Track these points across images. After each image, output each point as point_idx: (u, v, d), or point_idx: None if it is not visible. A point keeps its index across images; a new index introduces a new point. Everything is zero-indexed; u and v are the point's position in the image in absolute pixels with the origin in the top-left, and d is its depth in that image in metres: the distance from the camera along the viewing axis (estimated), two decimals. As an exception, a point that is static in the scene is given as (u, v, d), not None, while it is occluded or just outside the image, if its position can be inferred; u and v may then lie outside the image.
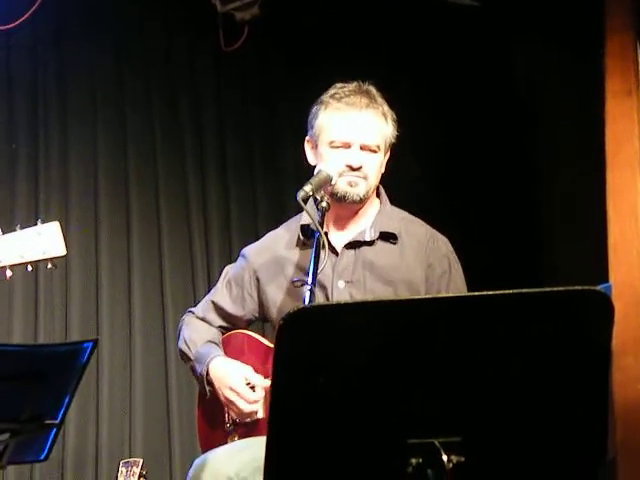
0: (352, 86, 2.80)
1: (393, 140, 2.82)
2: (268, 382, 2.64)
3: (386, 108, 2.80)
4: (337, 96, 2.78)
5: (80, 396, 4.02)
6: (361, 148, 2.73)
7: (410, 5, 4.83)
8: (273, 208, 4.73)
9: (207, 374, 2.79)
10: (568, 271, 4.28)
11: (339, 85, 2.81)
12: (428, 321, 1.70)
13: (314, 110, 2.81)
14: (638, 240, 2.97)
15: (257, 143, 4.87)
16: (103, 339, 4.27)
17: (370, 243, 2.79)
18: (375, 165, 2.76)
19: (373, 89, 2.81)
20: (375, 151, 2.75)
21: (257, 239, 3.07)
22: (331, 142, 2.74)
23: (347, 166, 2.71)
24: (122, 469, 3.36)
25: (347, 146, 2.73)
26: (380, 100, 2.80)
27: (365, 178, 2.73)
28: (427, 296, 1.78)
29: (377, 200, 2.89)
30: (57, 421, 2.35)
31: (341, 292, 2.74)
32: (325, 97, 2.80)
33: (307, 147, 2.86)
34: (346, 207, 2.78)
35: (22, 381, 2.19)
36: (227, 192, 4.75)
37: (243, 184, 4.79)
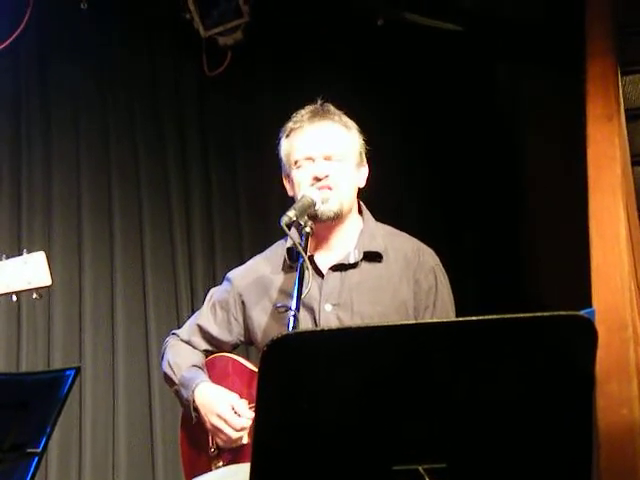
0: (308, 108, 2.85)
1: (362, 149, 2.84)
2: (253, 411, 2.62)
3: (345, 118, 2.84)
4: (294, 119, 2.83)
5: (62, 424, 4.00)
6: (325, 159, 2.75)
7: (395, 30, 4.86)
8: (257, 231, 4.72)
9: (193, 400, 2.78)
10: (551, 296, 4.29)
11: (297, 112, 2.86)
12: (412, 347, 1.70)
13: (279, 144, 2.87)
14: (621, 264, 2.98)
15: (241, 166, 4.87)
16: (86, 366, 4.25)
17: (355, 265, 2.79)
18: (343, 174, 2.76)
19: (330, 106, 2.86)
20: (340, 160, 2.76)
21: (241, 262, 3.07)
22: (296, 162, 2.78)
23: (314, 178, 2.72)
24: (105, 496, 3.34)
25: (311, 160, 2.75)
26: (338, 112, 2.84)
27: (335, 187, 2.73)
28: (410, 322, 1.78)
29: (360, 218, 2.89)
30: (39, 450, 2.32)
31: (328, 315, 2.73)
32: (285, 127, 2.86)
33: (285, 183, 2.88)
34: (324, 225, 2.76)
35: (4, 410, 2.17)
36: (211, 215, 4.74)
37: (227, 207, 4.79)
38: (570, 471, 1.76)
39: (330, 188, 2.72)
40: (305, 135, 2.78)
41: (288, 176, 2.84)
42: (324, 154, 2.75)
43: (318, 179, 2.72)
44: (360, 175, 2.84)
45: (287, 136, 2.83)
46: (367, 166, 2.87)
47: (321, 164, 2.74)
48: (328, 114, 2.82)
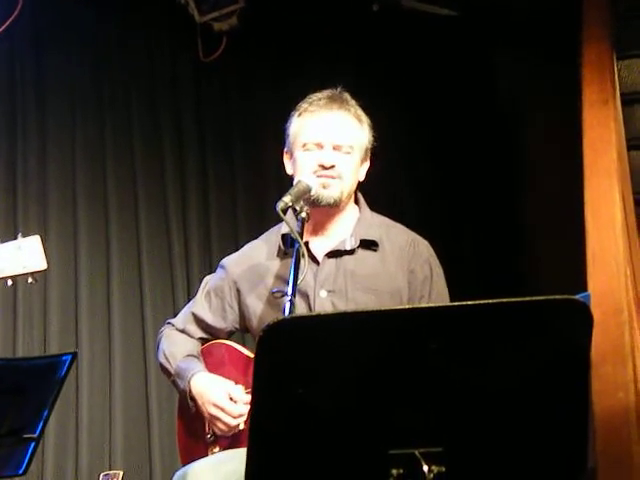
0: (325, 92, 2.84)
1: (369, 145, 2.83)
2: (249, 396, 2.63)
3: (359, 112, 2.83)
4: (310, 100, 2.82)
5: (59, 409, 4.01)
6: (334, 148, 2.74)
7: (389, 16, 4.85)
8: (253, 218, 4.72)
9: (189, 390, 2.78)
10: (547, 280, 4.30)
11: (313, 94, 2.84)
12: (408, 331, 1.70)
13: (289, 120, 2.85)
14: (616, 248, 2.98)
15: (237, 154, 4.86)
16: (82, 351, 4.25)
17: (351, 252, 2.79)
18: (349, 166, 2.76)
19: (347, 95, 2.85)
20: (348, 152, 2.76)
21: (237, 249, 3.07)
22: (304, 145, 2.76)
23: (319, 165, 2.72)
24: (102, 482, 3.35)
25: (320, 147, 2.74)
26: (353, 104, 2.83)
27: (339, 178, 2.73)
28: (406, 307, 1.79)
29: (356, 207, 2.89)
30: (36, 435, 2.32)
31: (323, 301, 2.73)
32: (299, 105, 2.84)
33: (285, 158, 2.87)
34: (322, 211, 2.77)
35: (0, 395, 2.17)
36: (207, 202, 4.74)
37: (223, 194, 4.79)
38: (566, 454, 1.77)
39: (334, 178, 2.73)
40: (319, 120, 2.77)
41: (291, 155, 2.83)
42: (334, 143, 2.74)
43: (324, 167, 2.72)
44: (362, 170, 2.85)
45: (299, 115, 2.82)
46: (369, 161, 2.87)
47: (329, 153, 2.73)
48: (345, 104, 2.81)
